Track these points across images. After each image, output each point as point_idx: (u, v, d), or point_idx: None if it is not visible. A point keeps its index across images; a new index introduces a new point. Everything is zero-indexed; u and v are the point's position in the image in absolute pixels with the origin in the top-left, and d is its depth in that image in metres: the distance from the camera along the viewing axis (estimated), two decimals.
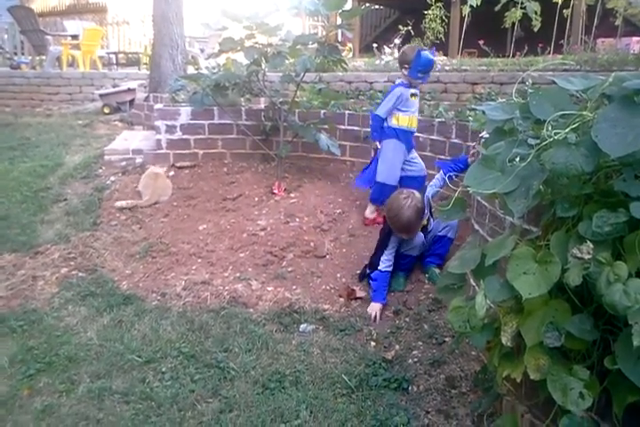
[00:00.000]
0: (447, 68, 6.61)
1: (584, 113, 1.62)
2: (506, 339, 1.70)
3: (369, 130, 5.10)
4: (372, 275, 3.40)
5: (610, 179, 1.65)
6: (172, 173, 5.26)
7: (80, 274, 3.79)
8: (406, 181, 4.18)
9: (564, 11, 6.73)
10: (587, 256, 1.47)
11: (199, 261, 3.88)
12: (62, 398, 2.57)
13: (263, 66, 4.70)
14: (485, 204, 2.43)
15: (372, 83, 6.65)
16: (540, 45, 6.78)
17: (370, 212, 4.29)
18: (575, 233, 1.57)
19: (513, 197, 1.66)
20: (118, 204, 4.78)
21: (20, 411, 2.49)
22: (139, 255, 4.00)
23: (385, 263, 3.37)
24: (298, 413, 2.41)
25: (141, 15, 14.17)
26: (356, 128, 5.20)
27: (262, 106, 5.61)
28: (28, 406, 2.52)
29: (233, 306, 3.29)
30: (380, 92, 6.25)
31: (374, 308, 3.21)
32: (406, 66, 4.11)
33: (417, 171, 4.31)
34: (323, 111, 5.30)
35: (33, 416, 2.45)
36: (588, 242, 1.48)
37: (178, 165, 5.44)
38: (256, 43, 4.59)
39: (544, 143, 1.62)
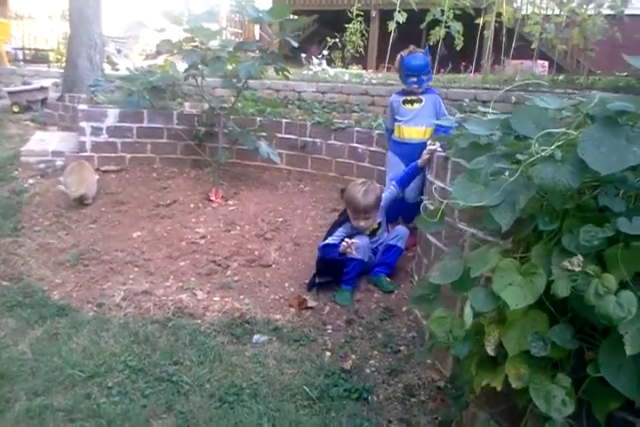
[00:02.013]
0: (374, 81, 6.75)
1: (569, 131, 1.70)
2: (490, 348, 1.73)
3: (306, 139, 5.13)
4: (319, 247, 3.50)
5: (583, 195, 1.74)
6: (96, 176, 5.01)
7: (4, 283, 3.53)
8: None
9: (485, 32, 7.06)
10: (577, 269, 1.54)
11: (136, 269, 3.71)
12: None
13: (202, 70, 4.60)
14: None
15: (300, 92, 6.63)
16: (463, 64, 7.08)
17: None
18: (558, 246, 1.64)
19: (499, 211, 1.71)
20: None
21: None
22: (69, 263, 3.77)
23: (332, 238, 3.48)
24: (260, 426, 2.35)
25: (49, 11, 13.47)
26: (293, 137, 5.19)
27: (194, 110, 5.48)
28: None
29: (179, 317, 3.16)
30: (309, 102, 6.27)
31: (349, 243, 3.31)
32: (400, 73, 3.94)
33: None
34: (259, 119, 5.26)
35: None
36: (579, 255, 1.55)
37: (103, 168, 5.24)
38: (196, 46, 4.49)
39: (531, 159, 1.68)
